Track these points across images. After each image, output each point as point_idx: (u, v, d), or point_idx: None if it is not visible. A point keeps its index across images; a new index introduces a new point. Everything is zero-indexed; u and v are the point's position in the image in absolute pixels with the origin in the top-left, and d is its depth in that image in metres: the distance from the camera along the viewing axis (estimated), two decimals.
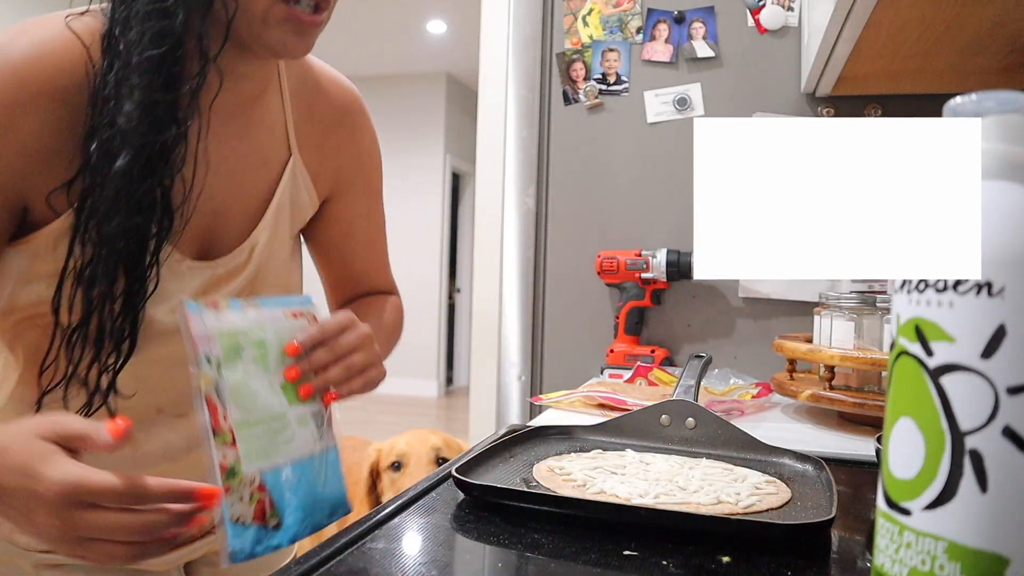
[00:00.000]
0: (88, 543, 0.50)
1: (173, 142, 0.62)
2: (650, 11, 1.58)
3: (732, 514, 0.59)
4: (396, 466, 1.91)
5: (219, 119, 0.69)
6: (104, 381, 0.63)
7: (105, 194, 0.60)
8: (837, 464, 0.80)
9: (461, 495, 0.64)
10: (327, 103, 0.82)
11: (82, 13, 0.62)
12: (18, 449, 0.50)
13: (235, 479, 0.53)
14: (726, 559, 0.52)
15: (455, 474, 0.63)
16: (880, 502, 0.37)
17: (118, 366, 0.63)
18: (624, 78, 1.60)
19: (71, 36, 0.61)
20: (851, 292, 1.09)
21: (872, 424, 1.02)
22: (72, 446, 0.50)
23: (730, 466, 0.73)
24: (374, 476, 1.98)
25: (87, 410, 0.63)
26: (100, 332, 0.62)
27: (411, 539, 0.57)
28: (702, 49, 1.55)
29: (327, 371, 0.62)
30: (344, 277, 0.90)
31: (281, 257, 0.77)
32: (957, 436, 0.33)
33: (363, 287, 0.90)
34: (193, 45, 0.62)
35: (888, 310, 1.03)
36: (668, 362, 1.50)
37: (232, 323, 0.58)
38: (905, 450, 0.35)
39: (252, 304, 0.61)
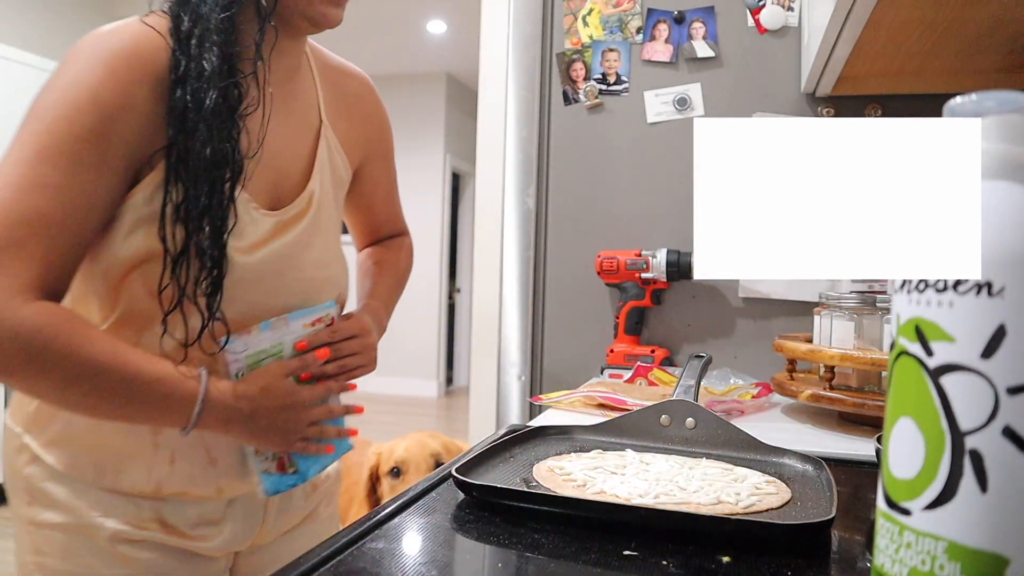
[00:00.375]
0: (304, 438, 0.83)
1: (244, 91, 0.77)
2: (650, 11, 1.58)
3: (732, 514, 0.59)
4: (395, 472, 1.91)
5: (276, 83, 0.83)
6: (202, 303, 0.76)
7: (194, 137, 0.73)
8: (837, 464, 0.80)
9: (461, 495, 0.64)
10: (349, 83, 0.98)
11: (148, 15, 0.78)
12: (277, 385, 0.80)
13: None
14: (726, 559, 0.52)
15: (455, 474, 0.63)
16: (880, 502, 0.37)
17: (213, 288, 0.75)
18: (624, 78, 1.60)
19: (149, 29, 0.75)
20: (851, 292, 1.09)
21: (872, 424, 1.02)
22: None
23: (730, 466, 0.73)
24: (373, 480, 1.98)
25: (198, 332, 0.76)
26: (200, 256, 0.74)
27: (411, 539, 0.57)
28: (702, 49, 1.55)
29: (325, 367, 0.86)
30: (368, 227, 1.10)
31: (328, 209, 0.90)
32: (957, 436, 0.33)
33: (383, 234, 1.12)
34: (252, 12, 0.78)
35: (888, 310, 1.03)
36: (668, 362, 1.50)
37: (257, 344, 0.81)
38: (905, 450, 0.35)
39: (282, 320, 0.83)
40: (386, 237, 1.13)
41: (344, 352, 0.87)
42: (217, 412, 0.76)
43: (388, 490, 1.91)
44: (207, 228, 0.74)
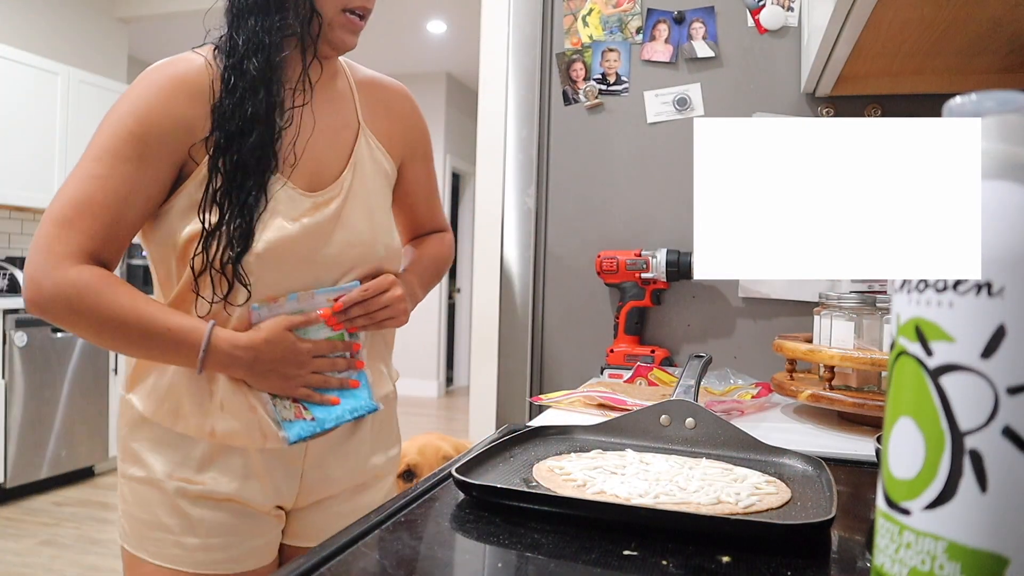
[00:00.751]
0: (306, 385, 0.97)
1: (278, 101, 0.96)
2: (650, 11, 1.58)
3: (732, 514, 0.59)
4: (408, 476, 1.91)
5: (314, 92, 1.01)
6: (229, 271, 0.92)
7: (234, 137, 0.92)
8: (837, 464, 0.80)
9: (461, 495, 0.64)
10: (386, 92, 1.15)
11: (201, 46, 0.98)
12: (280, 337, 0.94)
13: (277, 398, 0.98)
14: (726, 559, 0.52)
15: (455, 474, 0.63)
16: (880, 502, 0.37)
17: (237, 258, 0.92)
18: (624, 78, 1.60)
19: (195, 54, 0.96)
20: (851, 292, 1.09)
21: (872, 424, 1.02)
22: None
23: (730, 466, 0.73)
24: None
25: (222, 295, 0.93)
26: (228, 232, 0.91)
27: (411, 539, 0.57)
28: (702, 49, 1.55)
29: (354, 320, 1.01)
30: (411, 223, 1.24)
31: (366, 197, 1.05)
32: (957, 436, 0.33)
33: (424, 229, 1.26)
34: (294, 40, 0.98)
35: (888, 310, 1.03)
36: (668, 362, 1.50)
37: (280, 311, 0.96)
38: (905, 450, 0.35)
39: (308, 294, 0.97)
40: (428, 233, 1.27)
41: (373, 307, 1.01)
42: (220, 357, 0.92)
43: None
44: (238, 210, 0.92)
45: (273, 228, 0.94)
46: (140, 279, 4.88)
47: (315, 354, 0.98)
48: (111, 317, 0.89)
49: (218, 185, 0.92)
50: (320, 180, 1.01)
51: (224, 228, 0.92)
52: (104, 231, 0.90)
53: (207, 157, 0.93)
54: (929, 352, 0.34)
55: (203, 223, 0.92)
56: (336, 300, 0.99)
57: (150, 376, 0.99)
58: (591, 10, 1.62)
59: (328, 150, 1.03)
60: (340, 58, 1.09)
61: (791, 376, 1.15)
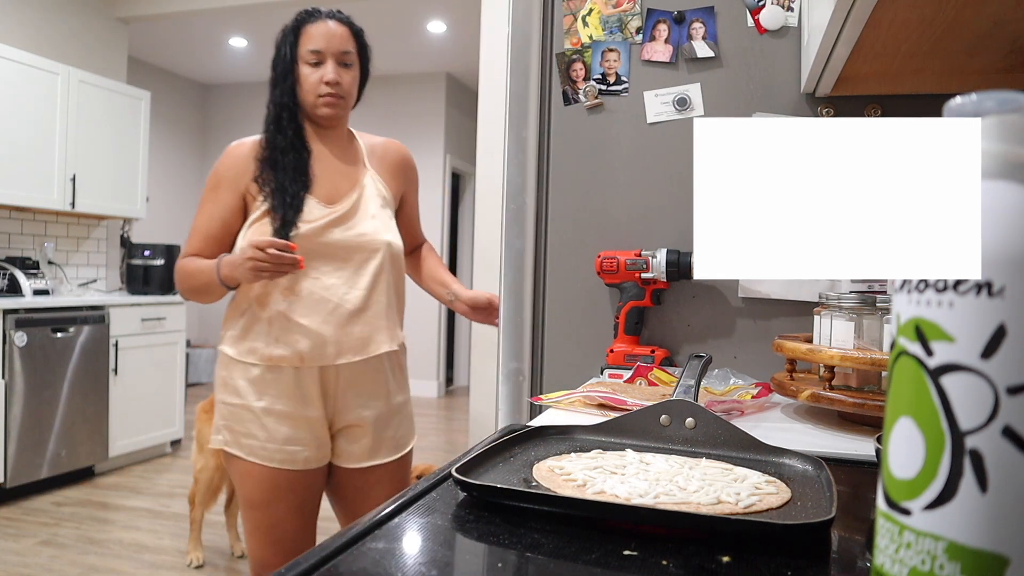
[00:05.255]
0: (257, 272, 1.44)
1: (299, 151, 1.61)
2: (650, 11, 1.58)
3: (732, 514, 0.59)
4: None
5: (329, 147, 1.65)
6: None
7: (276, 175, 1.56)
8: (837, 464, 0.80)
9: (461, 495, 0.64)
10: (386, 148, 1.75)
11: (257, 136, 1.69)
12: (243, 253, 1.46)
13: None
14: (726, 559, 0.52)
15: (455, 474, 0.63)
16: (880, 502, 0.37)
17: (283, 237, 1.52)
18: (624, 78, 1.60)
19: (251, 137, 1.63)
20: (851, 292, 1.09)
21: (872, 424, 1.02)
22: (260, 247, 1.42)
23: (730, 466, 0.73)
24: None
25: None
26: (275, 231, 1.53)
27: (411, 539, 0.57)
28: (702, 49, 1.55)
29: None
30: (409, 237, 1.82)
31: (370, 210, 1.62)
32: (957, 436, 0.33)
33: (417, 242, 1.89)
34: (304, 118, 1.65)
35: (888, 310, 1.03)
36: (668, 362, 1.50)
37: None
38: (905, 450, 0.35)
39: None
40: (420, 243, 1.90)
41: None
42: (222, 270, 1.51)
43: None
44: (282, 218, 1.53)
45: (306, 223, 1.54)
46: (140, 279, 4.88)
47: (249, 255, 1.43)
48: (187, 276, 1.57)
49: (271, 204, 1.56)
50: (335, 197, 1.60)
51: (273, 228, 1.54)
52: (202, 243, 1.58)
53: (261, 191, 1.58)
54: (929, 352, 0.34)
55: (273, 223, 1.55)
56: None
57: (232, 327, 1.58)
58: (591, 10, 1.62)
59: (340, 180, 1.62)
60: (354, 131, 1.70)
61: (791, 376, 1.15)
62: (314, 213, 1.54)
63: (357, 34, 1.63)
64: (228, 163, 1.58)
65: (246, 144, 1.59)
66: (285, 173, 1.53)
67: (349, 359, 1.57)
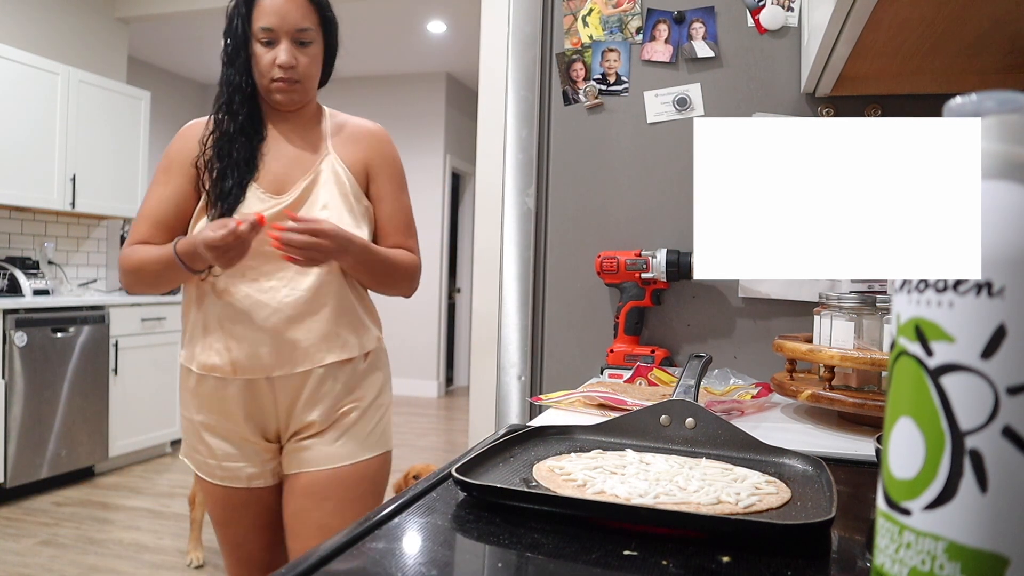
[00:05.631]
0: (224, 257, 1.26)
1: (250, 135, 1.43)
2: (650, 11, 1.58)
3: (732, 514, 0.59)
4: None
5: (287, 130, 1.46)
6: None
7: (221, 163, 1.39)
8: (837, 464, 0.80)
9: (461, 495, 0.64)
10: (358, 128, 1.51)
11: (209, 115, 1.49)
12: (201, 235, 1.27)
13: None
14: (726, 559, 0.52)
15: (455, 474, 0.63)
16: (880, 502, 0.37)
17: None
18: (624, 78, 1.60)
19: (202, 118, 1.46)
20: (851, 292, 1.09)
21: (872, 424, 1.02)
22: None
23: (730, 466, 0.73)
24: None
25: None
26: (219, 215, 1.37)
27: (411, 539, 0.57)
28: (702, 49, 1.55)
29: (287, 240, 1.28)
30: (379, 232, 1.50)
31: (320, 203, 1.41)
32: (957, 436, 0.33)
33: (390, 243, 1.49)
34: (259, 99, 1.46)
35: (888, 310, 1.03)
36: (668, 362, 1.50)
37: None
38: (905, 450, 0.35)
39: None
40: (399, 247, 1.51)
41: (296, 233, 1.29)
42: (180, 253, 1.33)
43: None
44: (218, 211, 1.37)
45: (246, 210, 1.38)
46: None
47: (206, 240, 1.28)
48: (135, 265, 1.39)
49: (216, 191, 1.39)
50: (283, 186, 1.41)
51: (217, 212, 1.38)
52: (150, 228, 1.42)
53: (209, 175, 1.40)
54: (929, 352, 0.34)
55: (208, 211, 1.39)
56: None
57: (187, 328, 1.45)
58: (591, 10, 1.62)
59: (289, 167, 1.43)
60: (325, 108, 1.51)
61: (791, 376, 1.15)
62: (254, 206, 1.36)
63: (319, 5, 1.40)
64: (178, 145, 1.43)
65: (199, 124, 1.43)
66: (229, 160, 1.37)
67: (287, 371, 1.36)
